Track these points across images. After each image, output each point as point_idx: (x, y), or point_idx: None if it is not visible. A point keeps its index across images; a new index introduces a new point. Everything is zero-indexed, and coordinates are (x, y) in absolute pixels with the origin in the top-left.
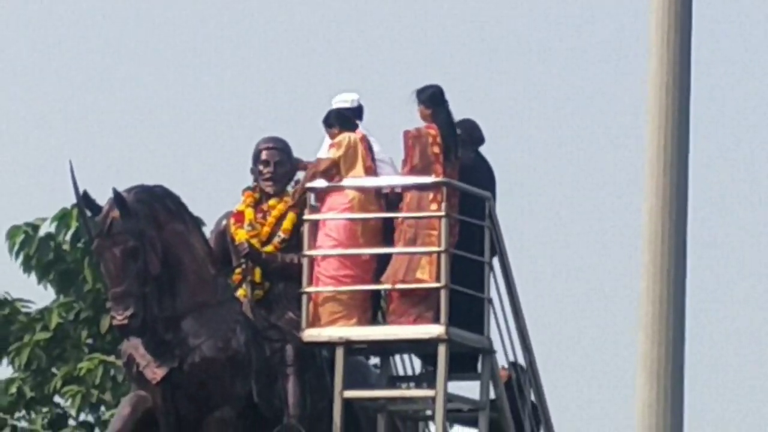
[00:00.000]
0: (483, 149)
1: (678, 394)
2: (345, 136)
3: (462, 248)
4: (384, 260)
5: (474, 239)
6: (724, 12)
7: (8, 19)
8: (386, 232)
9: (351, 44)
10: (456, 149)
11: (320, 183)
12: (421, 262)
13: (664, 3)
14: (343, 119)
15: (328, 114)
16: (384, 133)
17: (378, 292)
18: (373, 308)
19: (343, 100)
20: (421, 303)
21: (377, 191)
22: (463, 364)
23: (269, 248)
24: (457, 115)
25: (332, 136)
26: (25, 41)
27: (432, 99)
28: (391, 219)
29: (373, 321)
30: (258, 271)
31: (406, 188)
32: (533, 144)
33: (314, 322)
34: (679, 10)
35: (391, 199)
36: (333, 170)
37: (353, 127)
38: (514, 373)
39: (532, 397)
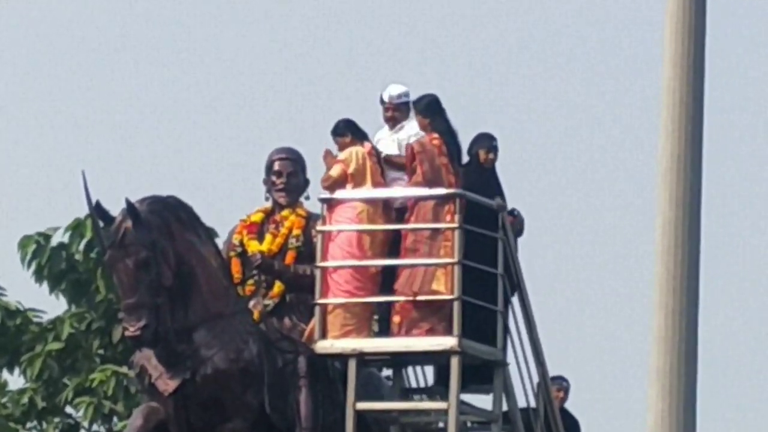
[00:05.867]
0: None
1: (690, 407)
2: (352, 151)
3: (473, 259)
4: (387, 273)
5: (485, 250)
6: (737, 21)
7: (25, 26)
8: (392, 244)
9: (368, 48)
10: (459, 157)
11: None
12: (437, 273)
13: (678, 14)
14: (355, 128)
15: (338, 124)
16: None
17: (382, 304)
18: (379, 321)
19: (399, 93)
20: (433, 314)
21: (386, 204)
22: (480, 376)
23: (287, 258)
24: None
25: (343, 145)
26: (40, 47)
27: (429, 108)
28: (398, 230)
29: (380, 333)
30: (278, 285)
31: (420, 200)
32: (545, 152)
33: (326, 333)
34: (693, 22)
35: (398, 210)
36: (337, 186)
37: (364, 137)
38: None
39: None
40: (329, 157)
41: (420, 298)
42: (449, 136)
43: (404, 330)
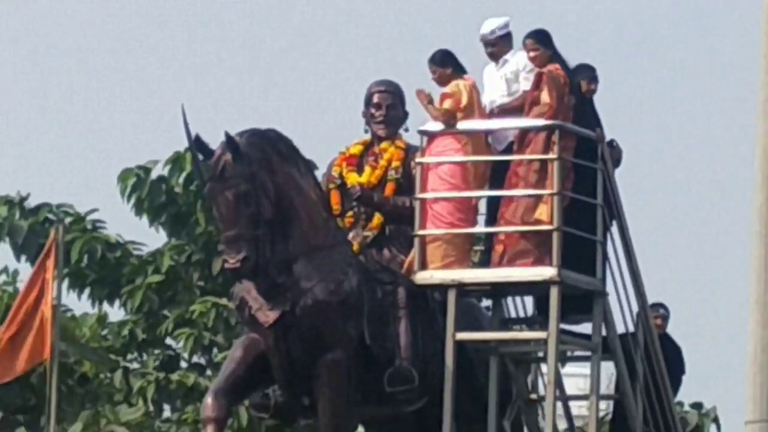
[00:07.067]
0: None
1: None
2: (459, 84)
3: (574, 190)
4: (491, 205)
5: (585, 180)
6: None
7: None
8: (494, 176)
9: None
10: (572, 91)
11: (433, 126)
12: (540, 204)
13: None
14: (456, 60)
15: (436, 53)
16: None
17: (486, 234)
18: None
19: (494, 27)
20: (539, 246)
21: (486, 138)
22: (579, 306)
23: (387, 190)
24: None
25: (443, 76)
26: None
27: (547, 39)
28: (504, 163)
29: (480, 264)
30: (377, 217)
31: (531, 131)
32: (643, 83)
33: (426, 264)
34: None
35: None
36: (452, 119)
37: (464, 71)
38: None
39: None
40: (423, 96)
41: (519, 228)
42: (567, 70)
43: (507, 260)
